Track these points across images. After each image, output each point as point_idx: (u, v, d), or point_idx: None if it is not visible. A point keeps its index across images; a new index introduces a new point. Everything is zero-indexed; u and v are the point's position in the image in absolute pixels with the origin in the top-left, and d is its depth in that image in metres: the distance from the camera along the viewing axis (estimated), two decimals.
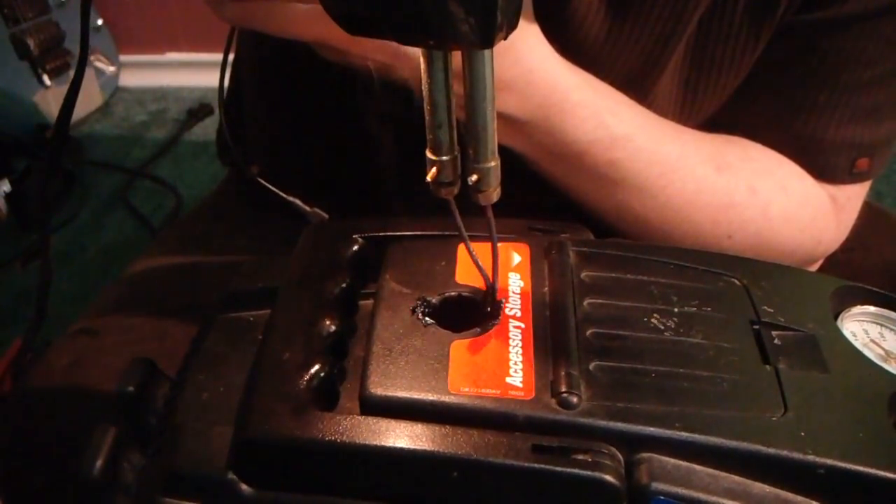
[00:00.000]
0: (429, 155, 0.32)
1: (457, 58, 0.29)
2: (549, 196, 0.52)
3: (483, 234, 0.35)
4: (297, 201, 0.51)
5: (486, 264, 0.36)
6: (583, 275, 0.38)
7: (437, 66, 0.29)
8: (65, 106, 0.45)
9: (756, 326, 0.36)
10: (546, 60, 0.46)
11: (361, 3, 0.27)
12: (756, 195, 0.52)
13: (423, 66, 0.29)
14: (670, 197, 0.50)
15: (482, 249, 0.36)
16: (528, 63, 0.45)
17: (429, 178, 0.32)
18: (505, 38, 0.28)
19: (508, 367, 0.33)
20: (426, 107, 0.30)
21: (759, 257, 0.42)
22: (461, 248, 0.39)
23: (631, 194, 0.50)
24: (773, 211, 0.52)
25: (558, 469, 0.29)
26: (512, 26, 0.27)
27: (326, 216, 0.57)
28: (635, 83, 0.52)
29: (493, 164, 0.31)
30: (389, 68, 0.43)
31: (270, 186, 0.53)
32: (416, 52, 0.29)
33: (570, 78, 0.47)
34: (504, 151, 0.33)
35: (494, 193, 0.32)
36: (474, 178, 0.31)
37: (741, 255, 0.41)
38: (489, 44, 0.27)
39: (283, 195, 0.52)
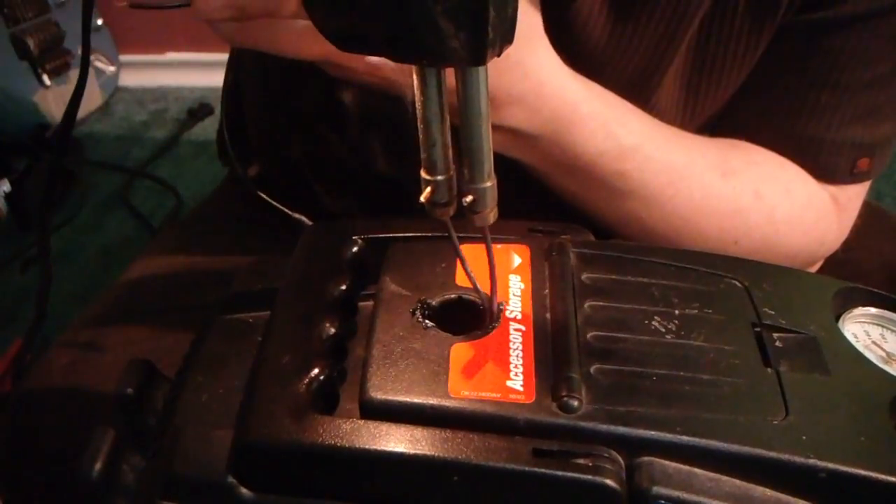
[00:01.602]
0: (423, 174, 0.31)
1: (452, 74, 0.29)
2: (550, 197, 0.52)
3: (482, 236, 0.35)
4: (304, 218, 0.51)
5: (486, 268, 0.36)
6: (583, 277, 0.38)
7: (431, 83, 0.29)
8: (69, 107, 0.45)
9: (757, 329, 0.36)
10: (555, 73, 0.45)
11: (351, 20, 0.27)
12: (762, 200, 0.52)
13: (415, 83, 0.29)
14: (678, 206, 0.50)
15: (481, 251, 0.35)
16: (538, 77, 0.44)
17: (423, 199, 0.31)
18: (499, 55, 0.27)
19: (509, 370, 0.33)
20: (420, 125, 0.30)
21: (763, 260, 0.42)
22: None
23: (639, 204, 0.50)
24: (778, 215, 0.52)
25: (559, 473, 0.29)
26: (506, 41, 0.27)
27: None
28: (638, 86, 0.52)
29: (488, 184, 0.31)
30: (392, 84, 0.43)
31: (276, 204, 0.53)
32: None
33: (579, 90, 0.46)
34: (502, 154, 0.32)
35: (491, 215, 0.31)
36: (469, 198, 0.31)
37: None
38: (481, 61, 0.27)
39: (289, 212, 0.51)
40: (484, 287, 0.36)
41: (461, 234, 0.34)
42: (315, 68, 0.42)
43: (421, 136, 0.30)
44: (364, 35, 0.27)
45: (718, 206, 0.51)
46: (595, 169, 0.48)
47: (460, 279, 0.38)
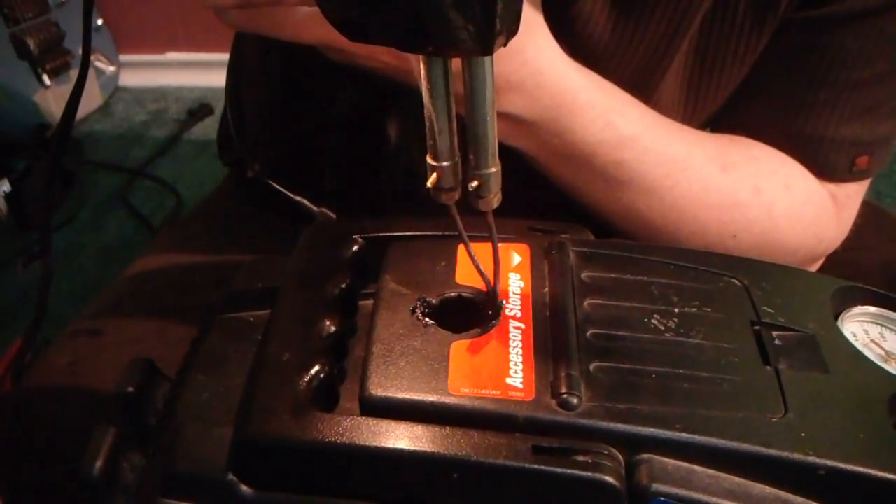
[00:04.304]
0: (429, 160, 0.31)
1: (457, 62, 0.29)
2: (550, 192, 0.52)
3: (483, 234, 0.35)
4: (305, 201, 0.51)
5: (487, 265, 0.36)
6: (583, 275, 0.38)
7: (437, 72, 0.29)
8: (68, 107, 0.45)
9: (756, 327, 0.36)
10: (555, 61, 0.46)
11: (360, 10, 0.27)
12: (761, 195, 0.52)
13: (422, 72, 0.29)
14: (676, 198, 0.51)
15: (482, 250, 0.36)
16: (537, 64, 0.45)
17: (429, 184, 0.32)
18: (505, 45, 0.27)
19: (508, 367, 0.33)
20: (426, 113, 0.30)
21: (762, 257, 0.42)
22: (461, 248, 0.39)
23: (638, 195, 0.50)
24: (777, 210, 0.52)
25: (558, 470, 0.29)
26: (512, 32, 0.27)
27: (334, 216, 0.57)
28: (640, 82, 0.52)
29: (493, 169, 0.31)
30: (395, 69, 0.43)
31: (278, 187, 0.53)
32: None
33: (578, 79, 0.47)
34: (505, 148, 0.32)
35: (495, 199, 0.32)
36: (475, 183, 0.31)
37: (745, 255, 0.41)
38: (489, 51, 0.27)
39: (291, 195, 0.51)
40: (486, 275, 0.36)
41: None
42: (317, 61, 0.43)
43: (427, 124, 0.31)
44: (372, 25, 0.27)
45: (717, 199, 0.51)
46: (593, 158, 0.48)
47: (460, 277, 0.38)
